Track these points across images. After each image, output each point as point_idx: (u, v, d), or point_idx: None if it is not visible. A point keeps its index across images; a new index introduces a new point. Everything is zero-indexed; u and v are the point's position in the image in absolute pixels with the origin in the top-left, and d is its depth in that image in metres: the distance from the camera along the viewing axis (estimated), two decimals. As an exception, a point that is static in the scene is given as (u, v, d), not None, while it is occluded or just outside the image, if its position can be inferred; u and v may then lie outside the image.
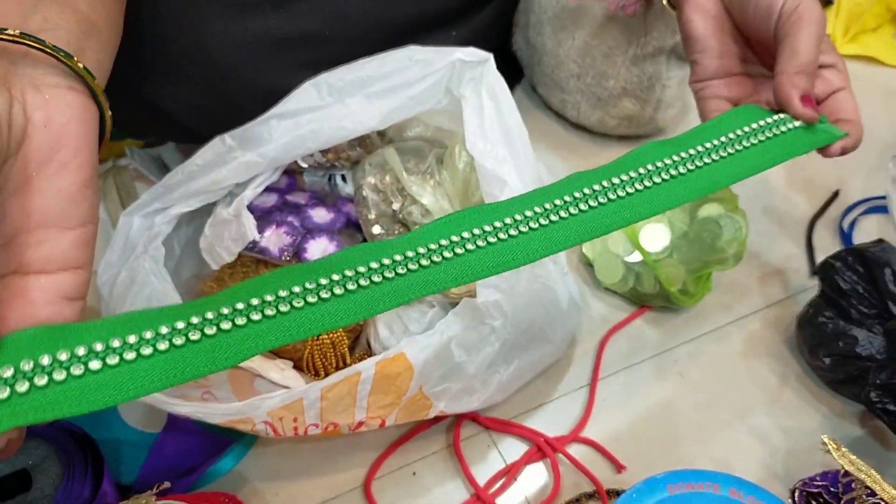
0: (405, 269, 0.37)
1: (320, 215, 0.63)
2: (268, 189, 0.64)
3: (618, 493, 0.58)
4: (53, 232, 0.34)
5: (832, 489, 0.53)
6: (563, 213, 0.41)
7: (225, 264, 0.60)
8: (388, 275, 0.37)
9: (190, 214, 0.64)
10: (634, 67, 0.76)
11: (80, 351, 0.31)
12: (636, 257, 0.68)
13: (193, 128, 0.63)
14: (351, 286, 0.36)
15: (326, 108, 0.59)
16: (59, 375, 0.31)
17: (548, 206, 0.41)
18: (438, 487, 0.59)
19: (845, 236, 0.76)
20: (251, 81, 0.61)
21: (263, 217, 0.62)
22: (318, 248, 0.61)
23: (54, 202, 0.34)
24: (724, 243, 0.66)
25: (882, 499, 0.48)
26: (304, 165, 0.66)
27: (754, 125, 0.48)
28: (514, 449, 0.61)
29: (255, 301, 0.35)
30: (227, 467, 0.58)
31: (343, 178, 0.67)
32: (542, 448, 0.61)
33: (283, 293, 0.35)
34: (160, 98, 0.61)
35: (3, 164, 0.33)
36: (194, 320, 0.34)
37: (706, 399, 0.64)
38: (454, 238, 0.39)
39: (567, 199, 0.42)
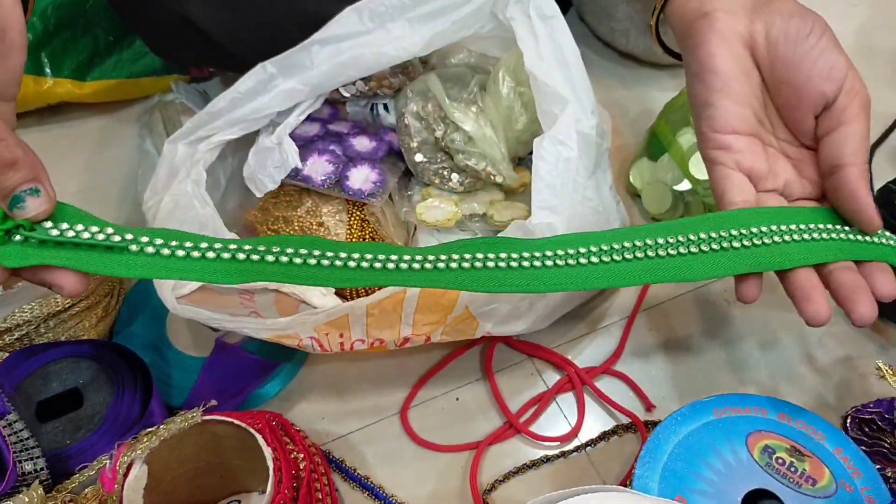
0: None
1: (362, 144, 0.63)
2: (310, 119, 0.64)
3: (655, 425, 0.57)
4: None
5: (886, 416, 0.52)
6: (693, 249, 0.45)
7: (268, 193, 0.61)
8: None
9: (235, 146, 0.64)
10: (686, -10, 0.73)
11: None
12: (685, 186, 0.66)
13: (235, 53, 0.63)
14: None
15: (368, 34, 0.59)
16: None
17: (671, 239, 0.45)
18: (480, 414, 0.59)
19: (907, 165, 0.73)
20: (292, 5, 0.60)
21: (306, 146, 0.62)
22: (360, 176, 0.61)
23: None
24: (778, 171, 0.64)
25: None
26: (347, 95, 0.66)
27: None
28: (556, 378, 0.61)
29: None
30: (273, 391, 0.59)
31: (385, 107, 0.67)
32: (571, 379, 0.60)
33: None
34: (202, 20, 0.61)
35: None
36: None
37: (756, 327, 0.63)
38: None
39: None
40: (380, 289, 0.57)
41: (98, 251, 0.38)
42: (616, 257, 0.44)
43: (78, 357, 0.54)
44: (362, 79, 0.63)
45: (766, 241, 0.45)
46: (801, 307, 0.44)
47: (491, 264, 0.43)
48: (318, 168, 0.60)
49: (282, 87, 0.59)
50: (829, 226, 0.46)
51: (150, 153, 0.75)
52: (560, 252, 0.44)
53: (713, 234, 0.45)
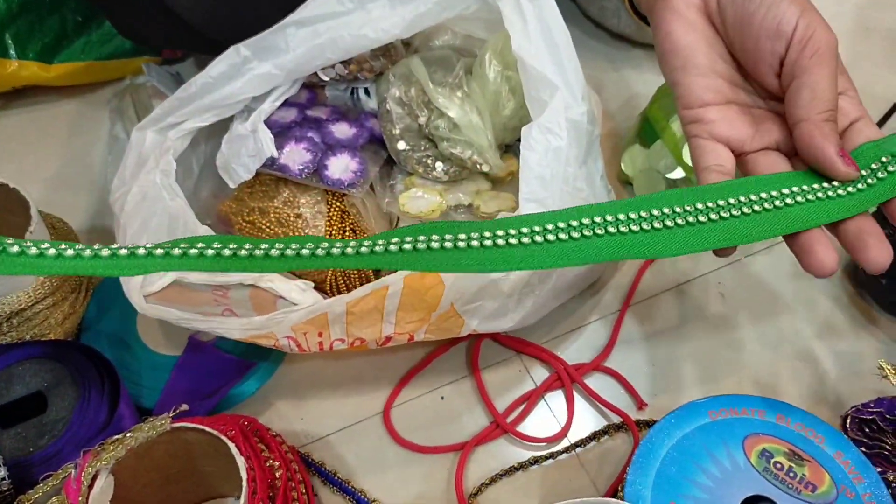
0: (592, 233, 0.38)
1: (342, 130, 0.60)
2: (287, 104, 0.61)
3: (648, 424, 0.56)
4: None
5: (888, 416, 0.50)
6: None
7: (243, 183, 0.58)
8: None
9: (208, 132, 0.61)
10: (679, -32, 0.71)
11: None
12: (679, 174, 0.64)
13: (207, 35, 0.59)
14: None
15: (346, 15, 0.56)
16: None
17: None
18: (466, 413, 0.57)
19: (906, 151, 0.71)
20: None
21: (282, 133, 0.59)
22: (340, 164, 0.58)
23: None
24: (775, 158, 0.62)
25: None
26: (326, 79, 0.62)
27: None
28: (545, 375, 0.58)
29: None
30: (250, 391, 0.57)
31: (367, 91, 0.64)
32: (560, 376, 0.58)
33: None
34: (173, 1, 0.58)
35: None
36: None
37: (750, 321, 0.61)
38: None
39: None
40: (361, 285, 0.55)
41: None
42: (586, 233, 0.38)
43: (42, 358, 0.51)
44: (342, 62, 0.60)
45: (746, 210, 0.40)
46: (802, 261, 0.40)
47: (435, 245, 0.37)
48: (296, 156, 0.57)
49: (256, 71, 0.56)
50: (826, 184, 0.41)
51: (121, 138, 0.72)
52: (513, 231, 0.38)
53: (677, 209, 0.40)
